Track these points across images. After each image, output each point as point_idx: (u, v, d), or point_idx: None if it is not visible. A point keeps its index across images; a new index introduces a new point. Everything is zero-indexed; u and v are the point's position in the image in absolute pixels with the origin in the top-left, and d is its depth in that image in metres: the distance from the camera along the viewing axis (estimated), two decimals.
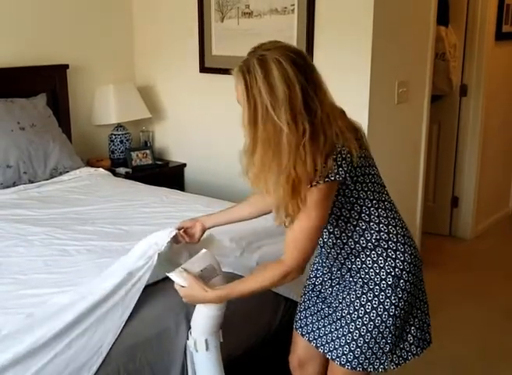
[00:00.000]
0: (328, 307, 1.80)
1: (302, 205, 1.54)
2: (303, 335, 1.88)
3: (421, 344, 1.76)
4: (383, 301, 1.65)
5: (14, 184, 3.01)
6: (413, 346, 1.74)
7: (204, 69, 3.65)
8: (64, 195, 2.92)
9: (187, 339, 1.79)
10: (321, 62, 3.13)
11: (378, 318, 1.66)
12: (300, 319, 1.90)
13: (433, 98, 3.70)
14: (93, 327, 1.67)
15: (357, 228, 1.67)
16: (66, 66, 3.52)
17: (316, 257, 1.86)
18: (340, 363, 1.71)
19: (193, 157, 3.85)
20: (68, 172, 3.22)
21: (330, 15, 3.09)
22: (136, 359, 1.72)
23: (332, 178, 1.53)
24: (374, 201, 1.67)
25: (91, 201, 2.82)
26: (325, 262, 1.82)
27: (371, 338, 1.67)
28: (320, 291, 1.85)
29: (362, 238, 1.67)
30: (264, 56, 1.51)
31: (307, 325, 1.87)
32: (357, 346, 1.68)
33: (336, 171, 1.53)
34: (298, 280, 2.20)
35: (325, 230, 1.72)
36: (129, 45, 3.98)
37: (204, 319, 1.75)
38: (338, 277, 1.78)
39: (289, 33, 3.18)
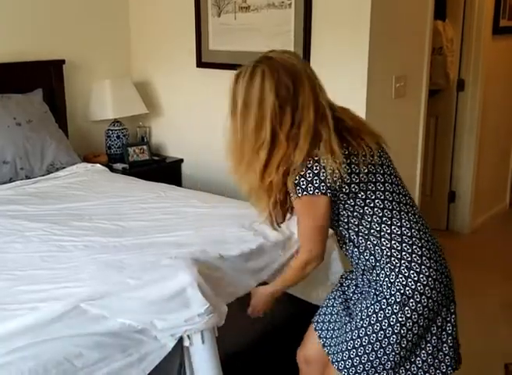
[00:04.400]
0: (349, 315, 1.80)
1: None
2: (320, 338, 1.89)
3: (430, 370, 1.70)
4: (389, 316, 1.61)
5: (11, 180, 3.00)
6: (420, 371, 1.69)
7: (201, 64, 3.64)
8: (61, 191, 2.92)
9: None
10: (319, 56, 3.14)
11: (381, 332, 1.62)
12: (322, 322, 1.91)
13: (430, 93, 3.70)
14: None
15: (369, 242, 1.67)
16: (63, 62, 3.51)
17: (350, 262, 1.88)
18: (338, 368, 1.71)
19: (191, 152, 3.84)
20: (65, 168, 3.22)
21: (327, 9, 3.08)
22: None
23: (311, 192, 1.56)
24: (384, 218, 1.65)
25: (88, 197, 2.81)
26: (354, 273, 1.84)
27: (371, 350, 1.64)
28: (344, 292, 1.86)
29: (374, 252, 1.67)
30: (257, 65, 1.61)
31: (327, 330, 1.87)
32: (357, 355, 1.66)
33: (316, 185, 1.56)
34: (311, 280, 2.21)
35: (346, 239, 1.73)
36: (125, 40, 3.97)
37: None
38: (361, 286, 1.80)
39: (287, 27, 3.17)
